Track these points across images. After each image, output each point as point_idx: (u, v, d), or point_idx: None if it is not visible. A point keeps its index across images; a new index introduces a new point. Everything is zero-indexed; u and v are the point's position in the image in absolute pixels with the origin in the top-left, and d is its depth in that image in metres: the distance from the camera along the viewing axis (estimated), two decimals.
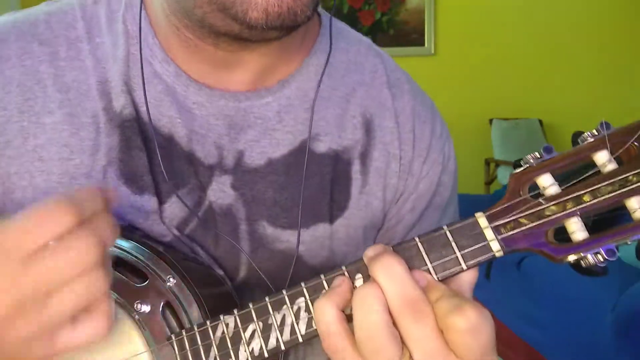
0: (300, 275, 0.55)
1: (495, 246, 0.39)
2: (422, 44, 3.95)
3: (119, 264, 0.49)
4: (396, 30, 3.89)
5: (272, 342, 0.43)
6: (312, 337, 0.42)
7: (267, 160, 0.55)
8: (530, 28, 3.93)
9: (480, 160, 4.01)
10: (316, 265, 0.57)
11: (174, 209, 0.54)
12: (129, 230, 0.53)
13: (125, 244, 0.50)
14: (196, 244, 0.55)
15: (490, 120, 3.98)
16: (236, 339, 0.44)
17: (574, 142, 0.40)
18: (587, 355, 2.04)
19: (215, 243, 0.55)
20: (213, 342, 0.45)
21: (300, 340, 0.43)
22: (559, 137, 3.93)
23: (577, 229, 0.38)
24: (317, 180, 0.56)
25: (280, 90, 0.56)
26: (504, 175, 3.72)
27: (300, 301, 0.43)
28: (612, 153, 0.38)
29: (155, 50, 0.54)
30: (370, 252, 0.40)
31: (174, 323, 0.48)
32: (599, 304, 1.96)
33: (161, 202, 0.53)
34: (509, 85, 3.99)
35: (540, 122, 3.97)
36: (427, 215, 0.62)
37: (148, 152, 0.53)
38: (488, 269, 2.53)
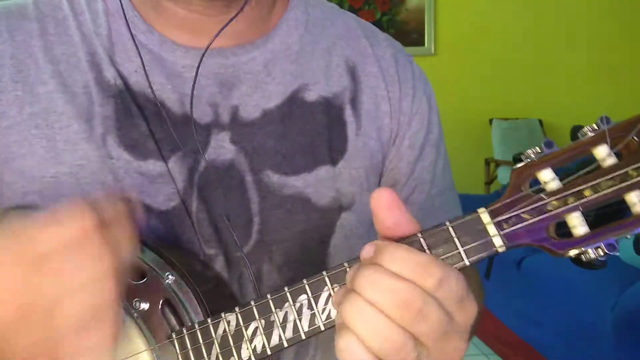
0: (310, 217, 0.58)
1: (498, 242, 0.39)
2: (422, 44, 3.95)
3: None
4: (396, 30, 3.89)
5: (274, 340, 0.43)
6: (315, 334, 0.43)
7: (262, 112, 0.57)
8: (531, 28, 3.93)
9: (480, 160, 4.01)
10: (325, 206, 0.59)
11: (175, 172, 0.54)
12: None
13: None
14: (204, 202, 0.55)
15: (490, 120, 3.98)
16: (238, 336, 0.44)
17: (573, 136, 0.40)
18: (587, 355, 2.04)
19: (224, 198, 0.56)
20: (215, 340, 0.45)
21: (303, 337, 0.43)
22: (559, 137, 3.92)
23: (578, 224, 0.38)
24: (312, 127, 0.59)
25: (264, 45, 0.59)
26: (504, 175, 3.72)
27: (303, 298, 0.43)
28: (611, 147, 0.38)
29: (137, 22, 0.56)
30: (364, 252, 0.40)
31: (174, 321, 0.47)
32: (599, 304, 1.96)
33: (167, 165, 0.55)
34: (509, 85, 3.99)
35: (540, 122, 3.97)
36: (426, 153, 0.66)
37: (146, 119, 0.54)
38: (488, 268, 2.53)
